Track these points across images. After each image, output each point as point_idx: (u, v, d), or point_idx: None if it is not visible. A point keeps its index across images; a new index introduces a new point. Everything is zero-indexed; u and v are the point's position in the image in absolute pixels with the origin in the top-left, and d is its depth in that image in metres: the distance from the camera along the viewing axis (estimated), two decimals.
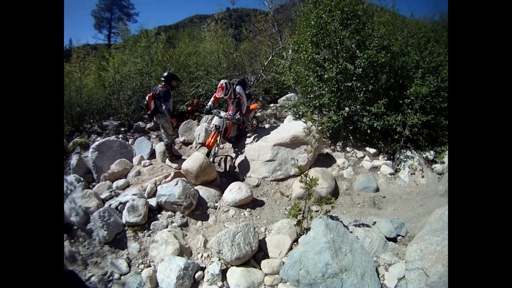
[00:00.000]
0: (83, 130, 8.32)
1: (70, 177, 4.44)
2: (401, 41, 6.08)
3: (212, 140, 4.90)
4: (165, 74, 4.90)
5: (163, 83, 4.75)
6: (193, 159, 4.24)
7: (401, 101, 5.12)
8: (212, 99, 5.07)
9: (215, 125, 4.96)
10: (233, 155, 5.36)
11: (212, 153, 5.01)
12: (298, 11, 6.34)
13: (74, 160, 5.51)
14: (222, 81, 4.97)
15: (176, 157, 5.14)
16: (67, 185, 4.30)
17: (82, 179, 4.58)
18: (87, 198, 3.70)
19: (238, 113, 5.18)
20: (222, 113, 5.04)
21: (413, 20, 8.93)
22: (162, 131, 5.00)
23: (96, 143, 5.61)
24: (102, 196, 3.98)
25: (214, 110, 5.08)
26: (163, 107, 4.64)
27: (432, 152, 5.27)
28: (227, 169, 5.15)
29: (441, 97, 5.35)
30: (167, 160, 5.19)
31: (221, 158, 5.34)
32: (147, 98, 4.73)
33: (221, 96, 4.91)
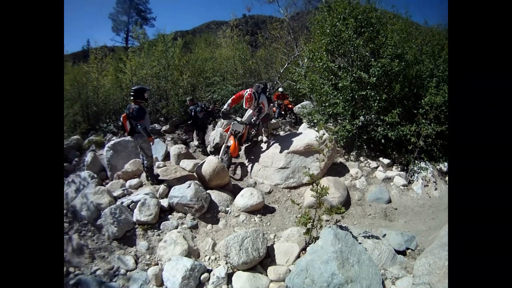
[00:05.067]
0: (99, 129, 8.56)
1: (84, 173, 4.55)
2: (415, 49, 5.98)
3: (235, 148, 4.91)
4: (134, 88, 4.26)
5: (134, 100, 4.19)
6: (207, 163, 4.29)
7: (415, 111, 5.02)
8: (229, 102, 5.01)
9: (235, 131, 4.97)
10: (246, 161, 5.36)
11: (225, 157, 5.00)
12: (313, 19, 6.35)
13: (89, 157, 5.67)
14: (249, 91, 4.90)
15: (158, 181, 4.49)
16: (80, 180, 4.39)
17: (95, 176, 4.65)
18: (99, 194, 3.80)
19: (255, 117, 5.17)
20: (238, 118, 5.06)
21: (427, 27, 8.80)
22: (141, 152, 4.37)
23: (112, 142, 5.75)
24: (115, 194, 4.08)
25: (233, 116, 5.10)
26: (138, 127, 4.13)
27: (446, 163, 5.12)
28: (241, 177, 5.14)
29: None
30: (181, 162, 5.23)
31: (236, 165, 5.35)
32: (121, 119, 4.27)
33: (250, 107, 4.91)
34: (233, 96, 5.07)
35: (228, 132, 5.06)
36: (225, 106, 4.98)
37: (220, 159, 4.86)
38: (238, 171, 5.22)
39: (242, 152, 5.66)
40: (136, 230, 3.44)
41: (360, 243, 2.83)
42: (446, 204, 4.35)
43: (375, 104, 4.95)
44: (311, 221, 2.99)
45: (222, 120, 6.98)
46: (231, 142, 4.99)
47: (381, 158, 5.22)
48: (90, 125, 8.87)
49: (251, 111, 5.19)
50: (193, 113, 6.58)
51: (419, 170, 4.86)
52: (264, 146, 5.42)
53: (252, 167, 5.18)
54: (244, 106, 4.98)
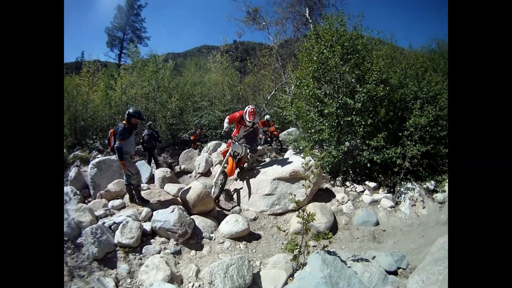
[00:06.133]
0: (85, 145, 8.41)
1: (67, 188, 4.44)
2: (400, 73, 6.23)
3: (233, 168, 4.85)
4: (128, 110, 4.24)
5: (124, 120, 4.19)
6: (192, 188, 4.24)
7: (400, 134, 5.16)
8: (227, 121, 5.06)
9: (235, 151, 4.96)
10: (238, 186, 5.28)
11: (219, 183, 4.90)
12: (301, 47, 6.60)
13: (72, 172, 5.53)
14: (252, 106, 5.03)
15: (144, 201, 4.37)
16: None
17: (78, 192, 4.57)
18: (81, 212, 3.66)
19: (250, 142, 5.23)
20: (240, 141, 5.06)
21: (411, 50, 9.25)
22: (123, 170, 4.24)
23: (97, 160, 5.64)
24: (97, 213, 3.93)
25: (236, 138, 5.09)
26: (115, 145, 4.03)
27: (432, 182, 5.20)
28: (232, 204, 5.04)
29: (440, 126, 5.33)
30: (165, 186, 5.12)
31: (233, 192, 5.27)
32: (109, 133, 4.24)
33: (252, 121, 4.95)
34: (229, 116, 5.12)
35: (227, 154, 5.00)
36: (225, 125, 5.03)
37: (213, 184, 4.79)
38: (235, 196, 5.12)
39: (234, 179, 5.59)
40: (117, 252, 3.30)
41: (349, 267, 2.80)
42: (435, 221, 4.40)
43: (360, 129, 5.08)
44: (298, 247, 2.94)
45: (207, 145, 7.04)
46: (227, 164, 4.91)
47: (367, 182, 5.28)
48: (76, 140, 8.73)
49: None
50: (143, 135, 7.43)
51: (405, 191, 4.92)
52: (249, 172, 5.41)
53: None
54: (247, 119, 4.99)
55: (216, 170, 5.86)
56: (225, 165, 4.97)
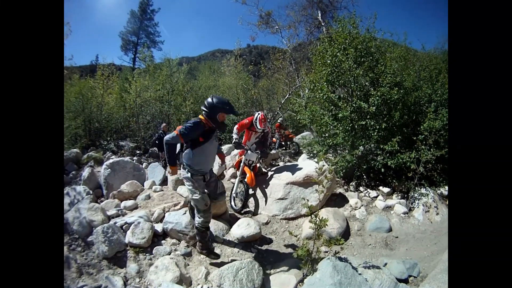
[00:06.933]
0: (99, 146, 8.61)
1: (79, 188, 4.54)
2: (413, 75, 6.09)
3: (253, 178, 4.75)
4: (208, 100, 2.94)
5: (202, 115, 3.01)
6: None
7: (414, 138, 5.01)
8: (235, 131, 4.87)
9: (249, 160, 4.94)
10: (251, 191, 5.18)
11: (240, 193, 4.79)
12: (314, 50, 6.54)
13: (86, 172, 5.66)
14: (262, 113, 4.96)
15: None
16: (75, 194, 4.39)
17: (91, 192, 4.65)
18: (93, 211, 3.75)
19: (260, 147, 5.17)
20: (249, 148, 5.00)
21: (424, 52, 9.03)
22: None
23: (110, 160, 5.76)
24: (109, 213, 4.02)
25: (246, 146, 5.02)
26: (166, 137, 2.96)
27: (446, 187, 5.00)
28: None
29: None
30: (178, 188, 5.15)
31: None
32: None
33: (262, 129, 4.90)
34: (236, 126, 5.02)
35: (242, 164, 4.89)
36: (235, 136, 4.83)
37: (234, 194, 4.71)
38: (251, 204, 5.01)
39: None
40: (128, 252, 3.36)
41: (360, 274, 2.73)
42: (448, 227, 4.23)
43: (375, 133, 4.97)
44: (309, 253, 2.90)
45: (221, 148, 7.01)
46: (247, 174, 4.82)
47: (381, 187, 5.15)
48: (91, 141, 8.94)
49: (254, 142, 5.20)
50: (154, 138, 7.67)
51: (419, 197, 4.77)
52: (262, 177, 5.33)
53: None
54: (258, 127, 4.94)
55: (229, 173, 5.87)
56: (242, 175, 4.83)
